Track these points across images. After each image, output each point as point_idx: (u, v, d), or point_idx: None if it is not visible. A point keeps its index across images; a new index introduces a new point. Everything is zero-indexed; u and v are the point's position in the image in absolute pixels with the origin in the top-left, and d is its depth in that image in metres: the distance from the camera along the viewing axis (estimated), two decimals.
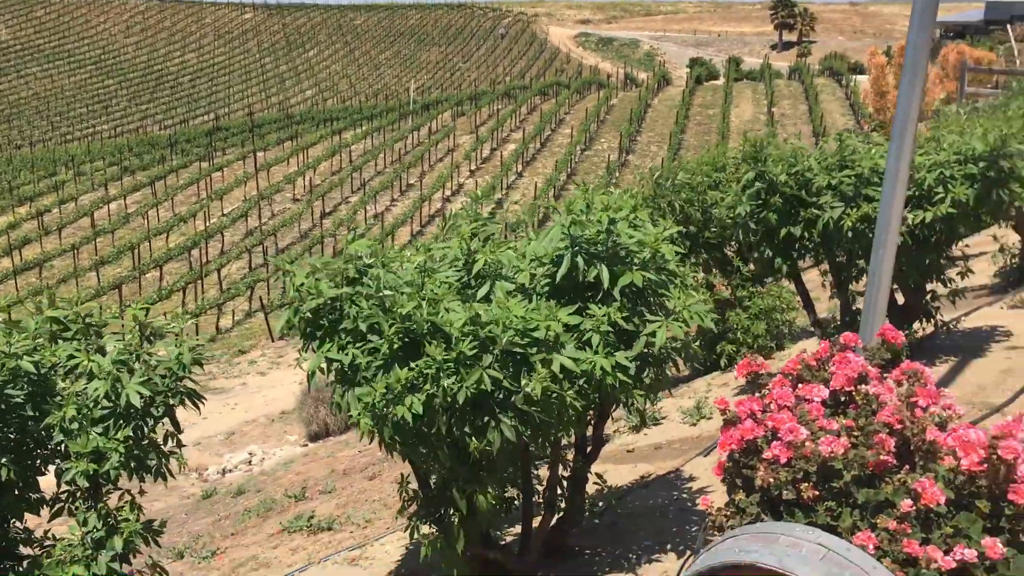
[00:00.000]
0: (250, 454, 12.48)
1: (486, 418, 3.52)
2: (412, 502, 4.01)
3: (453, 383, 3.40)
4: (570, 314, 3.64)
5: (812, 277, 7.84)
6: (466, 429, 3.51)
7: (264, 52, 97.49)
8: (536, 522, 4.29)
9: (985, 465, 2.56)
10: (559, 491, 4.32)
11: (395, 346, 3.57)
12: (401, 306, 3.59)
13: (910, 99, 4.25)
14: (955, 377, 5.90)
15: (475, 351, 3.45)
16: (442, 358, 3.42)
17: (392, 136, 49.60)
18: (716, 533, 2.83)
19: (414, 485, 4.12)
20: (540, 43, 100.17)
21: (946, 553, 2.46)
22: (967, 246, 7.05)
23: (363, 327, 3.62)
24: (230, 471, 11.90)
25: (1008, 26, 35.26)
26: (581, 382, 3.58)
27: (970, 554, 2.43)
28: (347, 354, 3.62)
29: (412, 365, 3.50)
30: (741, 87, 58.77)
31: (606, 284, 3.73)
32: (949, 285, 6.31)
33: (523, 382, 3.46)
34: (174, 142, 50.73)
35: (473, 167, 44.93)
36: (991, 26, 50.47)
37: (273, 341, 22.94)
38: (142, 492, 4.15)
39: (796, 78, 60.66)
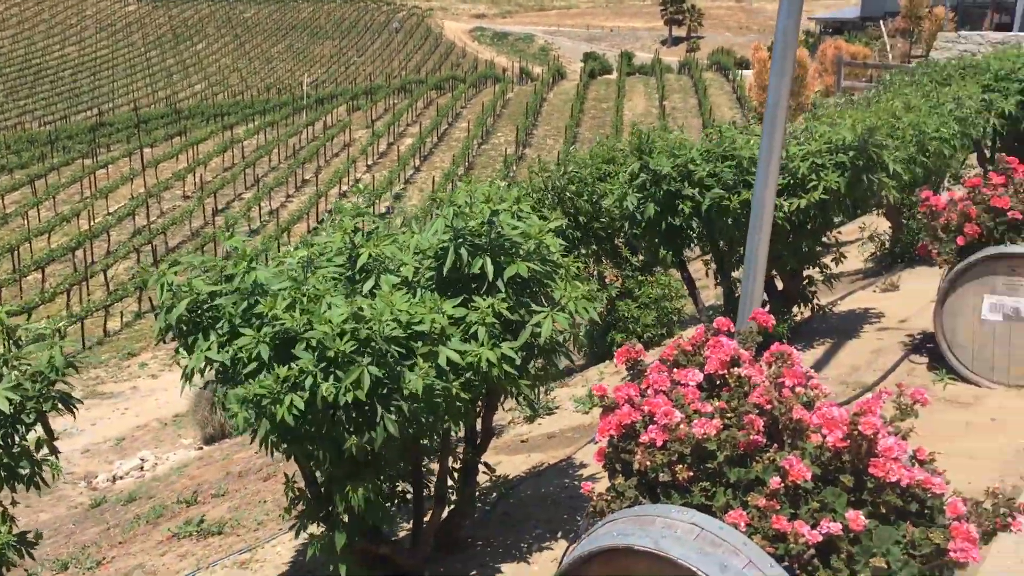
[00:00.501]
0: (142, 460, 12.09)
1: (369, 415, 3.49)
2: (299, 501, 3.95)
3: (331, 385, 3.36)
4: (455, 306, 3.65)
5: (700, 266, 8.06)
6: (350, 427, 3.47)
7: (150, 45, 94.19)
8: (428, 516, 4.28)
9: (848, 441, 2.67)
10: (450, 483, 4.33)
11: (271, 345, 3.51)
12: (270, 308, 3.53)
13: (780, 86, 4.40)
14: (831, 358, 6.15)
15: (355, 348, 3.41)
16: (319, 357, 3.38)
17: (286, 131, 48.64)
18: (598, 518, 2.88)
19: (302, 484, 4.06)
20: (435, 37, 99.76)
21: (813, 527, 2.55)
22: (840, 233, 7.36)
23: (237, 324, 3.55)
24: (121, 478, 11.51)
25: (881, 22, 36.82)
26: (468, 374, 3.59)
27: (835, 527, 2.54)
28: (226, 352, 3.55)
29: (291, 364, 3.44)
30: (633, 81, 59.78)
31: (491, 276, 3.74)
32: (825, 271, 6.57)
33: (405, 378, 3.44)
34: (55, 139, 48.60)
35: (370, 162, 44.47)
36: (866, 22, 52.57)
37: (165, 342, 22.23)
38: (14, 503, 3.98)
39: (686, 73, 62.09)
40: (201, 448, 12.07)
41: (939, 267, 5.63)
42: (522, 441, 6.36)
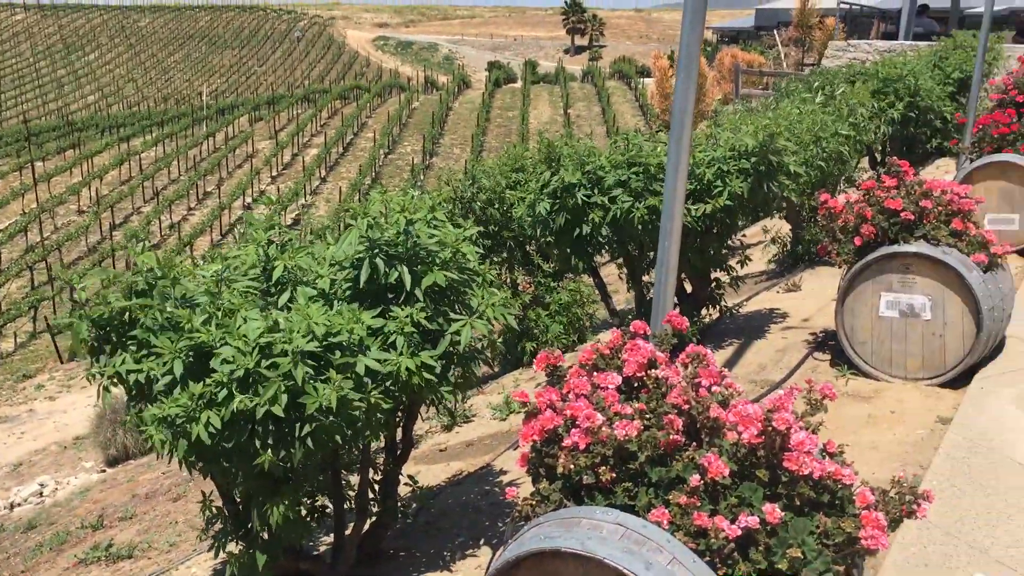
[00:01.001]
0: (41, 485, 11.59)
1: (287, 430, 3.44)
2: (216, 520, 3.87)
3: (246, 399, 3.30)
4: (374, 317, 3.63)
5: (611, 271, 8.18)
6: (269, 441, 3.42)
7: (39, 55, 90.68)
8: (349, 529, 4.24)
9: (762, 437, 2.76)
10: (371, 495, 4.29)
11: (186, 361, 3.44)
12: (188, 320, 3.47)
13: (686, 95, 4.49)
14: (739, 358, 6.33)
15: (271, 362, 3.37)
16: (236, 372, 3.32)
17: (186, 143, 47.43)
18: (523, 523, 2.90)
19: (219, 502, 3.97)
20: (338, 46, 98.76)
21: (732, 522, 2.63)
22: (745, 236, 7.58)
23: (154, 341, 3.47)
24: (19, 505, 11.00)
25: (775, 31, 38.07)
26: (387, 384, 3.57)
27: (753, 521, 2.62)
28: (140, 369, 3.45)
29: (207, 380, 3.38)
30: (538, 90, 60.34)
31: (408, 285, 3.74)
32: (731, 273, 6.76)
33: (321, 391, 3.40)
34: None
35: (274, 173, 43.76)
36: (760, 31, 54.27)
37: (63, 363, 21.41)
38: None
39: (589, 81, 62.98)
40: (104, 471, 11.64)
41: (838, 267, 5.86)
42: (440, 450, 6.35)
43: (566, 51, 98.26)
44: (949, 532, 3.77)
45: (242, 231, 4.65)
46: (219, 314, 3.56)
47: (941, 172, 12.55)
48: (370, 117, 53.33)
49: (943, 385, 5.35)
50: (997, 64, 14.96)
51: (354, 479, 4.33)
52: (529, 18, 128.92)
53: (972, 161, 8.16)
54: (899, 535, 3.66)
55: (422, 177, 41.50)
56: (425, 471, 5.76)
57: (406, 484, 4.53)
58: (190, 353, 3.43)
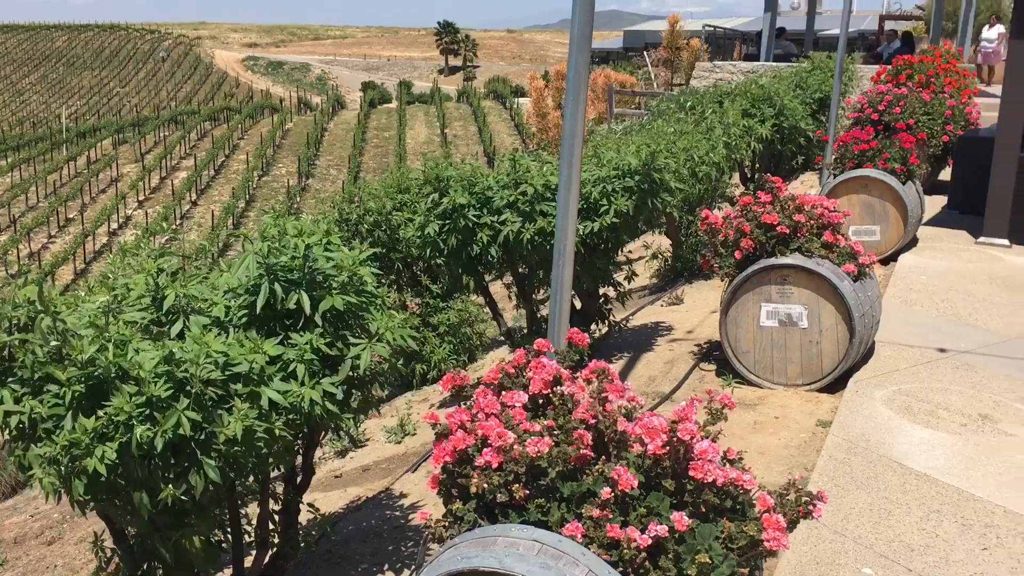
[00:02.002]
0: None
1: (186, 463, 3.35)
2: (111, 560, 3.70)
3: (147, 430, 3.19)
4: (274, 345, 3.56)
5: (497, 289, 8.25)
6: (169, 475, 3.31)
7: None
8: (249, 561, 4.13)
9: (667, 448, 2.85)
10: (271, 526, 4.20)
11: (77, 395, 3.30)
12: (80, 351, 3.33)
13: (575, 118, 4.61)
14: (630, 371, 6.49)
15: (170, 392, 3.27)
16: (133, 404, 3.20)
17: (44, 168, 45.28)
18: (436, 545, 2.90)
19: (110, 541, 3.81)
20: (206, 66, 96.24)
21: (643, 532, 2.70)
22: (631, 252, 7.78)
23: (39, 375, 3.31)
24: None
25: (645, 52, 39.29)
26: (290, 415, 3.51)
27: (662, 529, 2.70)
28: (24, 407, 3.28)
29: (100, 413, 3.24)
30: (414, 110, 60.36)
31: (307, 310, 3.69)
32: (618, 288, 6.93)
33: (225, 421, 3.32)
34: None
35: (141, 197, 42.25)
36: (630, 52, 55.98)
37: None
38: None
39: (465, 101, 63.41)
40: None
41: (720, 280, 6.09)
42: (336, 476, 6.25)
43: (440, 71, 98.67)
44: (836, 530, 3.96)
45: (119, 259, 4.42)
46: (109, 346, 3.42)
47: (806, 186, 13.20)
48: (242, 139, 52.18)
49: (821, 390, 5.63)
50: (852, 84, 15.87)
51: (252, 509, 4.23)
52: (402, 39, 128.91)
53: (835, 176, 8.63)
54: (792, 535, 3.83)
55: (298, 199, 40.85)
56: (322, 498, 5.66)
57: (308, 512, 4.45)
58: (82, 387, 3.28)
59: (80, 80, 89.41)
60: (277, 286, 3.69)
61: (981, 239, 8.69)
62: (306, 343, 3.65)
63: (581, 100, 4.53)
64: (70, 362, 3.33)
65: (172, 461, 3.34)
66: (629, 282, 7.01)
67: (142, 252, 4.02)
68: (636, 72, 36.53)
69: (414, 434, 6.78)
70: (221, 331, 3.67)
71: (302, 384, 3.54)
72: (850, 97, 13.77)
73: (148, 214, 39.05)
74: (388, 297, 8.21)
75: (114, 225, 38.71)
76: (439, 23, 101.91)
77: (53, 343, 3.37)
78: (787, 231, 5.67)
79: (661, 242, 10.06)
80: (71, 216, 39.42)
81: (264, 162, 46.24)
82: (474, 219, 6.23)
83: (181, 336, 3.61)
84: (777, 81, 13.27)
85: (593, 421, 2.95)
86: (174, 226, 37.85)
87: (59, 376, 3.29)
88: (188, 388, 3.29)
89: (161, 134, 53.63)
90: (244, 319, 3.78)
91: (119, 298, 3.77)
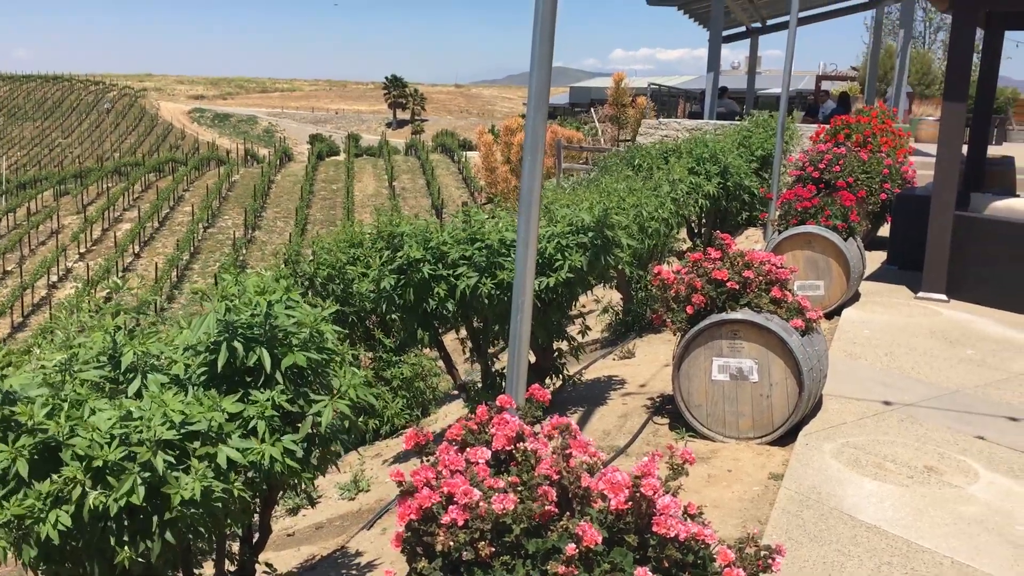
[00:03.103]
0: None
1: (144, 524, 3.30)
2: None
3: (100, 495, 3.15)
4: (234, 402, 3.55)
5: (450, 340, 8.28)
6: (124, 538, 3.26)
7: None
8: None
9: (630, 503, 2.90)
10: None
11: (29, 458, 3.24)
12: (29, 416, 3.27)
13: (532, 176, 4.70)
14: (585, 425, 6.53)
15: (125, 454, 3.23)
16: (84, 470, 3.16)
17: None
18: None
19: None
20: (151, 118, 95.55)
21: None
22: (583, 306, 7.88)
23: None
24: None
25: (592, 109, 40.05)
26: (250, 473, 3.49)
27: None
28: None
29: (54, 477, 3.19)
30: (362, 163, 60.51)
31: (268, 368, 3.69)
32: (572, 342, 7.00)
33: (183, 482, 3.29)
34: None
35: (83, 249, 41.52)
36: (576, 108, 57.03)
37: None
38: None
39: (413, 154, 63.77)
40: None
41: (672, 334, 6.19)
42: (288, 535, 6.17)
43: (388, 125, 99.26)
44: None
45: (65, 314, 4.33)
46: (64, 406, 3.38)
47: (751, 241, 13.51)
48: (187, 191, 51.74)
49: (773, 443, 5.73)
50: (793, 142, 16.35)
51: (207, 570, 4.16)
52: (350, 92, 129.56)
53: (780, 232, 8.86)
54: None
55: (244, 251, 40.50)
56: (275, 558, 5.58)
57: (264, 572, 4.38)
58: (35, 450, 3.23)
59: (21, 131, 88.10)
60: (237, 343, 3.68)
61: (920, 294, 8.97)
62: (267, 400, 3.64)
63: (538, 160, 4.63)
64: (14, 429, 3.27)
65: (127, 523, 3.28)
66: (583, 336, 7.08)
67: (101, 310, 3.98)
68: (583, 128, 37.18)
69: (368, 490, 6.73)
70: (180, 389, 3.65)
71: (262, 441, 3.53)
72: (791, 155, 14.19)
73: (89, 266, 38.35)
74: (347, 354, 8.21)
75: (54, 278, 37.93)
76: (388, 77, 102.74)
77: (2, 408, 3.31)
78: (737, 287, 5.81)
79: (612, 296, 10.20)
80: (9, 269, 38.56)
81: (210, 214, 45.85)
82: (430, 272, 6.28)
83: (139, 395, 3.58)
84: (722, 139, 13.63)
85: (557, 477, 2.99)
86: (135, 286, 37.21)
87: (7, 442, 3.23)
88: (144, 449, 3.25)
89: (104, 185, 52.96)
90: (204, 377, 3.76)
91: (75, 356, 3.73)
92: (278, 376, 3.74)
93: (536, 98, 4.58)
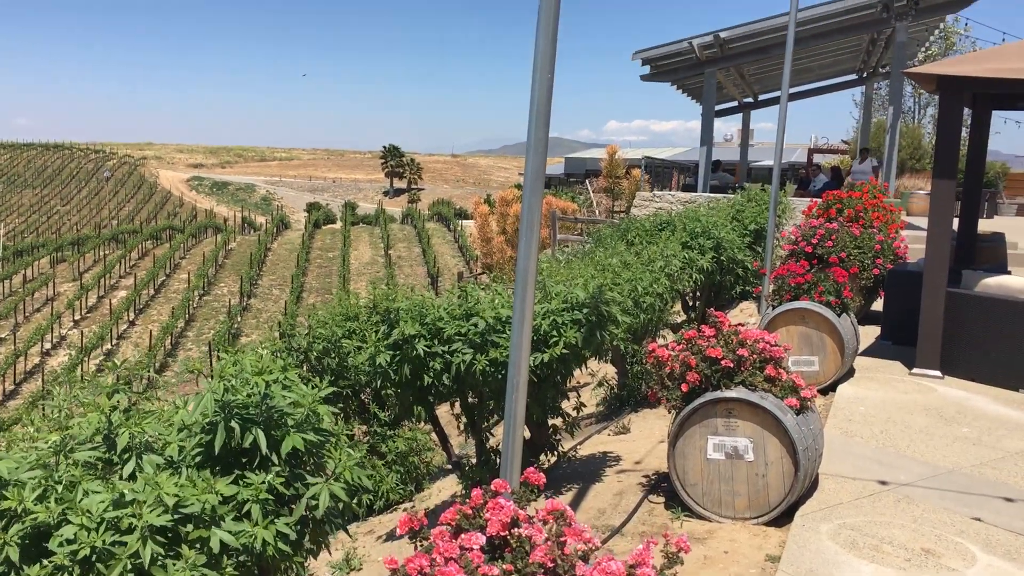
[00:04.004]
0: None
1: None
2: None
3: None
4: (228, 484, 3.54)
5: (442, 412, 8.25)
6: None
7: None
8: None
9: None
10: None
11: (20, 544, 3.22)
12: (19, 502, 3.26)
13: (528, 257, 4.76)
14: (580, 503, 6.48)
15: (115, 538, 3.21)
16: (79, 553, 3.13)
17: None
18: None
19: None
20: (150, 186, 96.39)
21: None
22: (577, 382, 7.88)
23: None
24: None
25: (587, 181, 40.55)
26: (242, 557, 3.46)
27: None
28: None
29: (44, 562, 3.17)
30: (358, 231, 60.91)
31: (264, 450, 3.68)
32: (566, 419, 6.99)
33: (171, 569, 3.25)
34: None
35: (77, 316, 41.50)
36: (571, 178, 57.67)
37: None
38: None
39: (409, 222, 64.24)
40: None
41: (668, 412, 6.19)
42: None
43: (385, 193, 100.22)
44: None
45: (53, 384, 4.34)
46: (58, 488, 3.37)
47: (745, 314, 13.58)
48: (184, 258, 51.93)
49: (769, 523, 5.69)
50: (786, 216, 16.55)
51: None
52: (348, 161, 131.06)
53: (774, 308, 8.92)
54: None
55: (240, 319, 40.49)
56: None
57: None
58: (26, 536, 3.21)
59: (20, 198, 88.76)
60: (235, 424, 3.68)
61: (915, 370, 9.00)
62: (262, 483, 3.62)
63: (534, 240, 4.70)
64: (2, 516, 3.26)
65: None
66: (578, 413, 7.08)
67: (97, 385, 3.99)
68: (577, 198, 37.56)
69: (360, 568, 6.64)
70: (174, 471, 3.64)
71: (256, 524, 3.51)
72: (784, 230, 14.35)
73: (84, 334, 38.25)
74: (334, 425, 8.17)
75: (47, 345, 37.82)
76: (385, 147, 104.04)
77: None
78: (731, 365, 5.83)
79: (607, 369, 10.20)
80: (3, 336, 38.45)
81: (205, 281, 45.94)
82: (425, 349, 6.30)
83: (133, 476, 3.57)
84: (715, 212, 13.79)
85: (551, 565, 2.97)
86: (109, 346, 37.10)
87: None
88: (136, 535, 3.23)
89: (101, 252, 53.16)
90: (199, 457, 3.75)
91: (72, 437, 3.73)
92: (274, 457, 3.73)
93: (532, 179, 4.66)
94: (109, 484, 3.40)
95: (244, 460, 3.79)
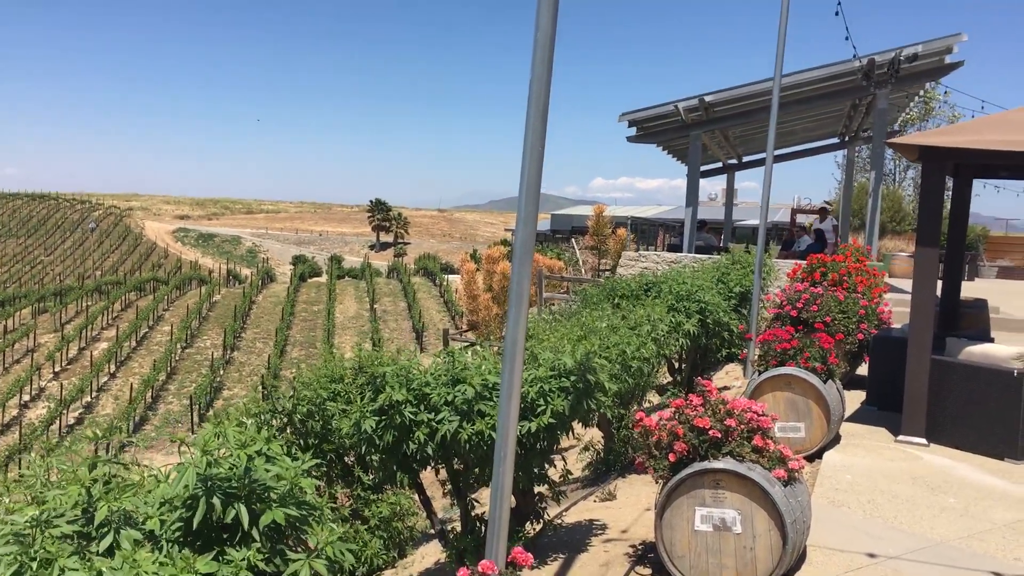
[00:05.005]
0: None
1: None
2: None
3: None
4: (208, 561, 3.46)
5: (427, 475, 8.14)
6: None
7: None
8: None
9: None
10: None
11: None
12: None
13: (517, 326, 4.75)
14: (565, 574, 6.39)
15: None
16: None
17: None
18: None
19: None
20: (135, 237, 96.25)
21: None
22: (564, 448, 7.81)
23: None
24: None
25: (573, 240, 40.80)
26: None
27: None
28: None
29: None
30: (344, 284, 60.85)
31: (246, 525, 3.61)
32: (554, 487, 6.92)
33: None
34: None
35: (57, 368, 41.08)
36: (557, 234, 57.99)
37: None
38: None
39: (395, 276, 64.28)
40: None
41: (655, 482, 6.14)
42: None
43: (372, 247, 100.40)
44: None
45: (32, 459, 4.23)
46: (33, 566, 3.29)
47: (731, 377, 13.58)
48: (167, 310, 51.65)
49: None
50: (770, 278, 16.64)
51: None
52: (335, 214, 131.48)
53: (760, 373, 8.91)
54: None
55: (222, 372, 40.15)
56: None
57: None
58: None
59: (4, 247, 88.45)
60: (216, 500, 3.62)
61: (900, 437, 8.98)
62: (242, 559, 3.55)
63: (523, 311, 4.70)
64: None
65: None
66: (563, 479, 7.00)
67: (75, 453, 3.92)
68: (563, 255, 37.74)
69: None
70: (154, 546, 3.57)
71: None
72: (769, 292, 14.41)
73: (63, 386, 37.81)
74: (317, 490, 8.06)
75: (26, 397, 37.34)
76: (372, 200, 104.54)
77: None
78: (719, 435, 5.80)
79: (593, 433, 10.13)
80: None
81: (188, 333, 45.63)
82: (411, 416, 6.24)
83: (111, 550, 3.49)
84: (700, 274, 13.84)
85: None
86: (89, 398, 36.66)
87: None
88: None
89: (84, 304, 52.82)
90: (178, 532, 3.68)
91: (47, 510, 3.65)
92: (255, 533, 3.66)
93: (521, 251, 4.68)
94: (86, 562, 3.32)
95: (225, 535, 3.72)
